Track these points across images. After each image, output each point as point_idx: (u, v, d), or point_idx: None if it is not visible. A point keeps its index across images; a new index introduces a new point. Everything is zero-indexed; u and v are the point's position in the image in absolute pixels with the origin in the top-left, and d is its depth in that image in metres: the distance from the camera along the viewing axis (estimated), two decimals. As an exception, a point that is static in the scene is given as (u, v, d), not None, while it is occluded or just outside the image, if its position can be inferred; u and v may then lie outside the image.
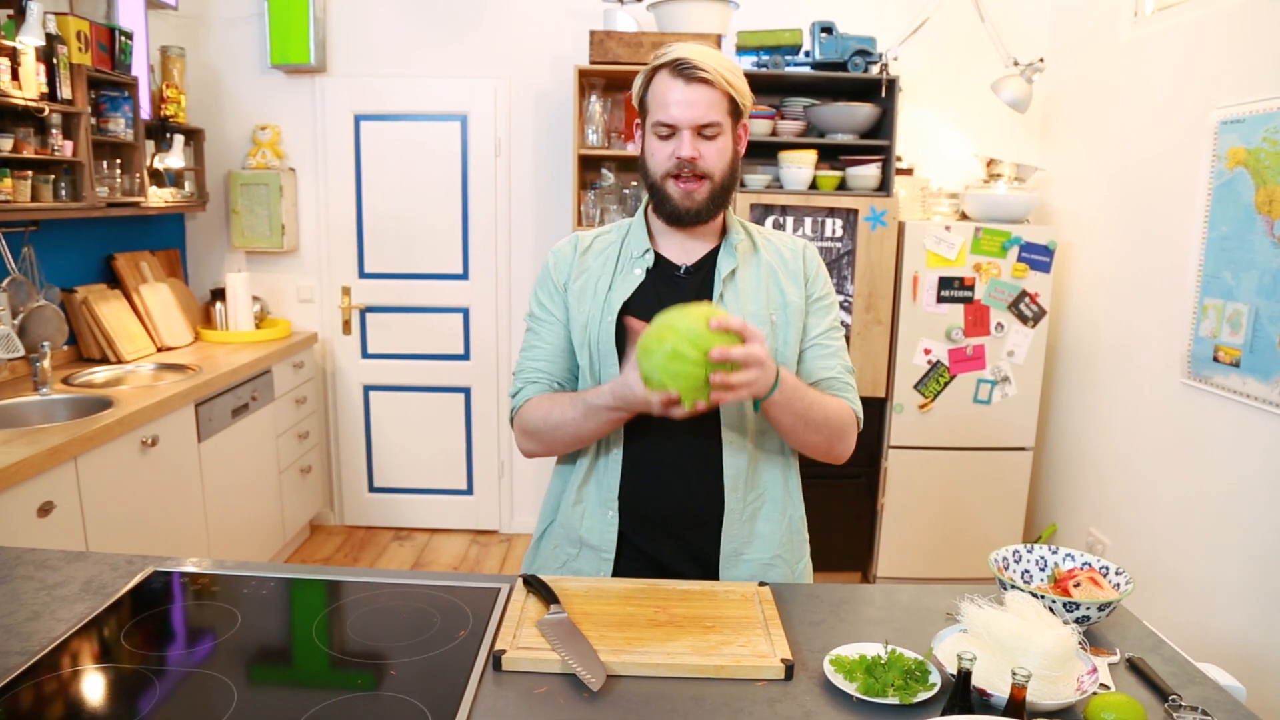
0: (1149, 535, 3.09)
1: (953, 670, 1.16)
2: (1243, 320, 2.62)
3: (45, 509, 2.21)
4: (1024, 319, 3.52)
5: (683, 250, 1.54)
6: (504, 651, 1.22)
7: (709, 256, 1.54)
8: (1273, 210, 2.52)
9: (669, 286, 1.52)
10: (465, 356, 4.23)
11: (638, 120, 1.50)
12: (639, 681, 1.19)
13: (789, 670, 1.21)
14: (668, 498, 1.51)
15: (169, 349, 3.53)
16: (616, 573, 1.55)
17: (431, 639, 1.28)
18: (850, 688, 1.17)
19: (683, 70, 1.39)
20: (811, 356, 1.56)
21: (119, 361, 3.24)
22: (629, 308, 1.50)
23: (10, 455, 2.13)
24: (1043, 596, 1.33)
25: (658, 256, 1.54)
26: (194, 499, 2.98)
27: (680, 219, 1.48)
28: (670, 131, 1.43)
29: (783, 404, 1.40)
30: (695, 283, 1.53)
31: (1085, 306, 3.56)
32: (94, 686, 1.15)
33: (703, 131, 1.42)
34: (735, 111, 1.45)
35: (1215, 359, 2.73)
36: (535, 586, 1.40)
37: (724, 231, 1.56)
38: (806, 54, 3.53)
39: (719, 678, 1.21)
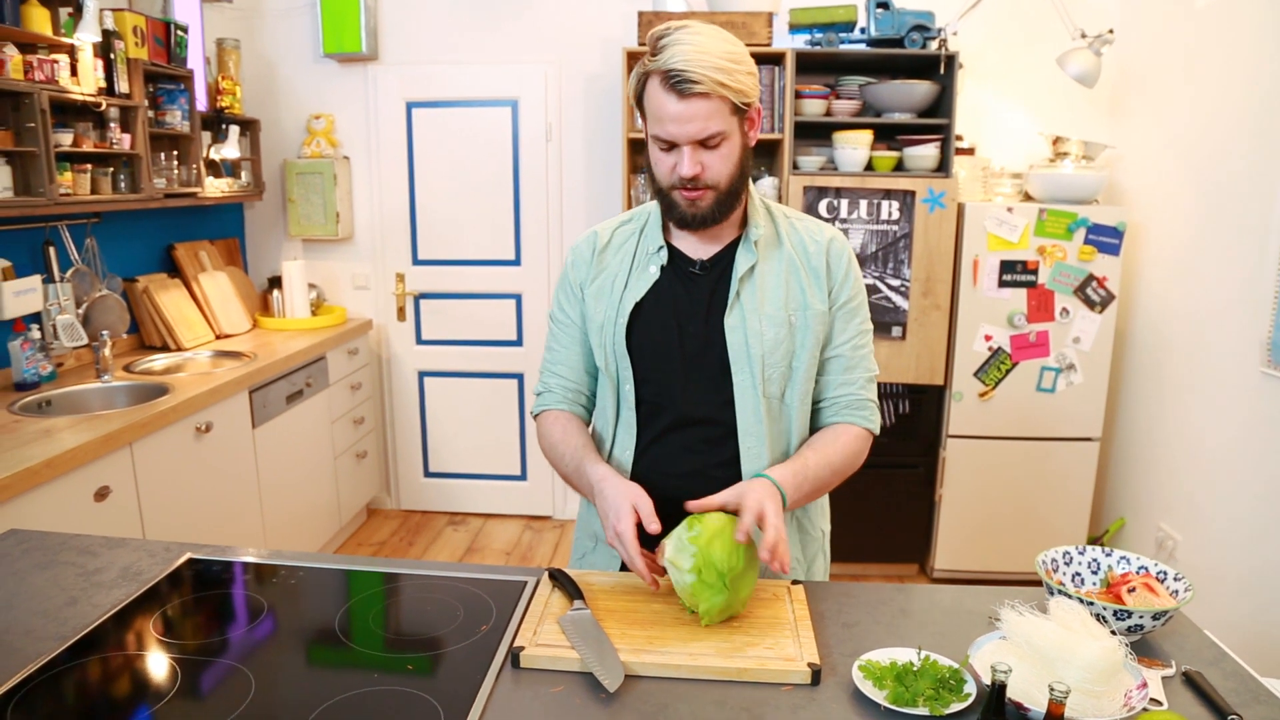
0: (1224, 532, 2.93)
1: (989, 681, 1.10)
2: (1328, 305, 2.46)
3: (102, 494, 2.27)
4: (1091, 304, 3.37)
5: (700, 245, 1.48)
6: (522, 648, 1.20)
7: (728, 250, 1.47)
8: (1363, 187, 2.35)
9: (684, 283, 1.47)
10: (518, 342, 4.23)
11: (640, 113, 1.41)
12: (658, 683, 1.16)
13: (816, 675, 1.17)
14: (681, 497, 1.46)
15: (227, 336, 3.61)
16: (625, 565, 1.53)
17: (453, 633, 1.27)
18: (879, 696, 1.12)
19: (675, 84, 1.28)
20: (834, 368, 1.50)
21: (178, 349, 3.32)
22: (642, 307, 1.46)
23: (69, 440, 2.20)
24: (1091, 603, 1.25)
25: (675, 252, 1.48)
26: (249, 484, 3.05)
27: (688, 225, 1.41)
28: (670, 145, 1.34)
29: (796, 502, 1.41)
30: (711, 279, 1.46)
31: (1157, 291, 3.39)
32: (122, 673, 1.16)
33: (704, 143, 1.33)
34: (740, 108, 1.34)
35: (1298, 346, 2.57)
36: (561, 581, 1.38)
37: (745, 221, 1.48)
38: (862, 30, 3.42)
39: (742, 680, 1.17)
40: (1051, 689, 0.98)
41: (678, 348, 1.45)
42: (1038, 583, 1.43)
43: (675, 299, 1.46)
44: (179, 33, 3.20)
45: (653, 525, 1.30)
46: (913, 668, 1.15)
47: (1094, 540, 3.65)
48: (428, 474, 4.40)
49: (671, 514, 1.49)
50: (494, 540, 4.13)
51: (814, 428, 1.53)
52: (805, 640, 1.24)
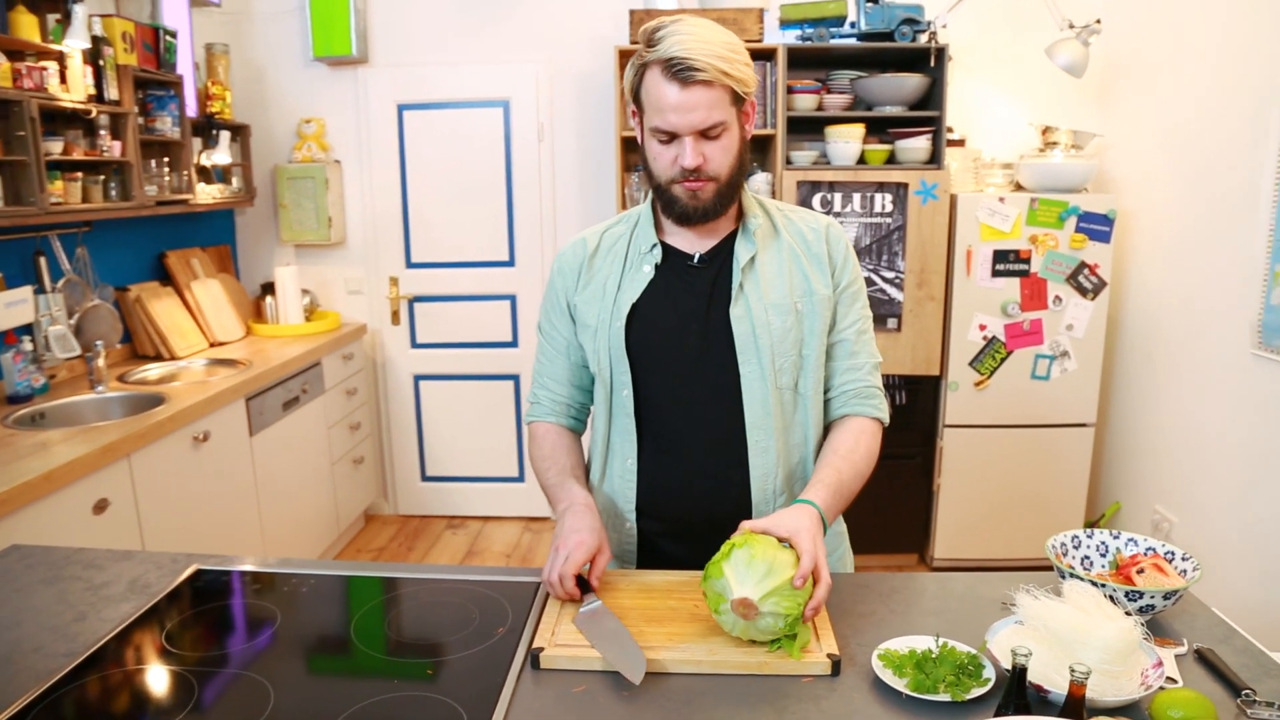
0: (1218, 513, 2.96)
1: (1008, 665, 1.11)
2: (1320, 287, 2.48)
3: (100, 506, 2.25)
4: (1083, 291, 3.39)
5: (695, 240, 1.46)
6: (542, 649, 1.19)
7: (724, 243, 1.45)
8: (1352, 169, 2.37)
9: (681, 279, 1.45)
10: (514, 344, 4.23)
11: (634, 108, 1.39)
12: (680, 679, 1.16)
13: (836, 666, 1.17)
14: (690, 503, 1.45)
15: (221, 344, 3.59)
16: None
17: (470, 636, 1.26)
18: (899, 684, 1.12)
19: (678, 72, 1.26)
20: (839, 354, 1.48)
21: (172, 358, 3.30)
22: (639, 308, 1.44)
23: (66, 453, 2.18)
24: (1103, 585, 1.26)
25: (668, 248, 1.46)
26: (247, 492, 3.03)
27: (689, 220, 1.39)
28: (670, 137, 1.32)
29: (830, 517, 1.36)
30: (710, 272, 1.44)
31: (1148, 277, 3.41)
32: (136, 688, 1.16)
33: (706, 133, 1.31)
34: (739, 98, 1.33)
35: (1290, 329, 2.59)
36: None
37: (740, 215, 1.46)
38: (852, 25, 3.43)
39: (763, 674, 1.17)
40: (1072, 670, 0.98)
41: (680, 345, 1.44)
42: (1041, 568, 1.44)
43: (673, 296, 1.44)
44: (168, 38, 3.18)
45: (594, 582, 1.32)
46: (931, 655, 1.16)
47: (1091, 524, 3.67)
48: (425, 478, 4.39)
49: (679, 519, 1.49)
50: (494, 543, 4.12)
51: (825, 419, 1.53)
52: (823, 632, 1.24)
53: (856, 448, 1.44)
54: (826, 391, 1.51)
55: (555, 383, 1.57)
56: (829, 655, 1.18)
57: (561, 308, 1.53)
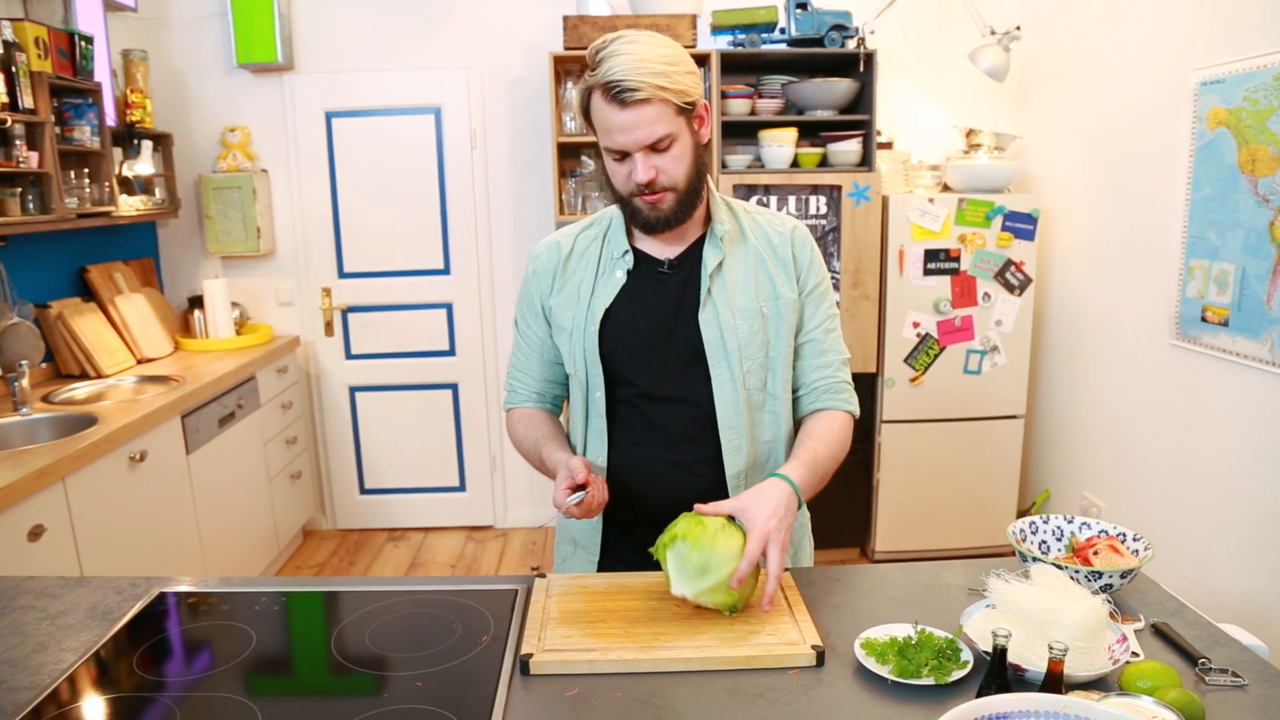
0: (1142, 496, 3.11)
1: (984, 647, 1.15)
2: (1229, 279, 2.64)
3: (35, 533, 2.15)
4: (1010, 288, 3.53)
5: (665, 246, 1.49)
6: (531, 655, 1.19)
7: (693, 248, 1.49)
8: (1256, 169, 2.53)
9: (652, 284, 1.48)
10: (451, 352, 4.18)
11: (587, 126, 1.41)
12: (670, 677, 1.18)
13: (820, 656, 1.20)
14: (663, 492, 1.47)
15: (149, 360, 3.45)
16: (602, 568, 1.57)
17: (454, 647, 1.26)
18: (883, 670, 1.16)
19: (616, 95, 1.29)
20: (808, 353, 1.53)
21: (99, 376, 3.16)
22: (612, 312, 1.47)
23: (-3, 479, 2.07)
24: (1065, 567, 1.32)
25: (640, 253, 1.49)
26: (185, 512, 2.93)
27: (653, 229, 1.43)
28: (623, 155, 1.35)
29: (807, 497, 1.43)
30: (680, 278, 1.48)
31: (1070, 272, 3.57)
32: (109, 718, 1.12)
33: (654, 147, 1.33)
34: (684, 108, 1.35)
35: (1203, 319, 2.75)
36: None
37: (708, 219, 1.50)
38: (782, 31, 3.50)
39: (750, 668, 1.19)
40: (1051, 648, 1.03)
41: (652, 349, 1.47)
42: (983, 555, 1.50)
43: (645, 301, 1.47)
44: (84, 44, 3.05)
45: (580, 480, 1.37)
46: (911, 641, 1.20)
47: (1023, 512, 3.82)
48: (363, 491, 4.30)
49: (651, 513, 1.50)
50: (437, 554, 4.07)
51: (795, 415, 1.57)
52: (804, 624, 1.27)
53: (829, 432, 1.49)
54: (797, 389, 1.55)
55: (530, 376, 1.60)
56: (813, 647, 1.21)
57: (536, 310, 1.55)
